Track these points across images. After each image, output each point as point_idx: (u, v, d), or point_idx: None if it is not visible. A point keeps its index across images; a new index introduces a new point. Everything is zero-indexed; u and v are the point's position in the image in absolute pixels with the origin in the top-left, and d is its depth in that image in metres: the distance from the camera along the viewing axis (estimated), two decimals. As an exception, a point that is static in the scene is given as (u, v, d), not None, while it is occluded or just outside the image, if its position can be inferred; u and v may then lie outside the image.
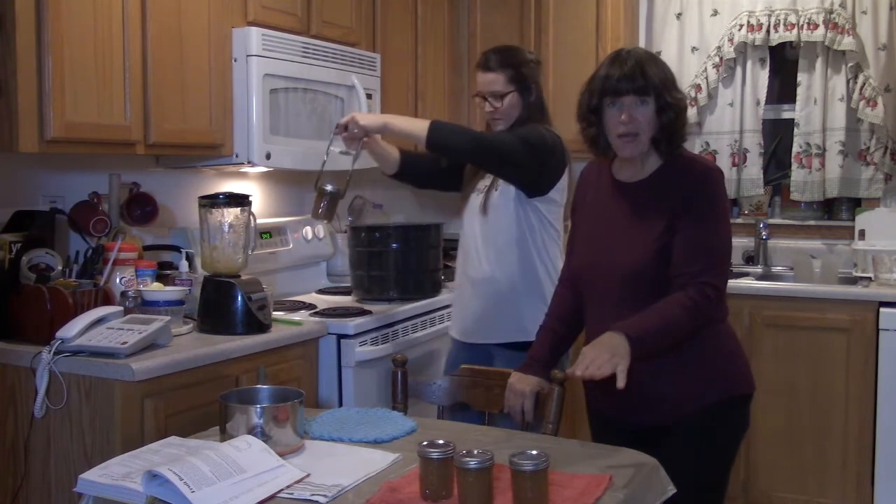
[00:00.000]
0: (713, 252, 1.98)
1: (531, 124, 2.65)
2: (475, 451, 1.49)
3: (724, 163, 4.07)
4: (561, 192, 2.67)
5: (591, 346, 1.87)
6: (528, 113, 2.69)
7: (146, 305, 2.42)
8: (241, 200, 2.58)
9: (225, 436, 1.78)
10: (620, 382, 1.79)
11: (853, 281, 3.72)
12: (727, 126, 4.10)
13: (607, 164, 2.17)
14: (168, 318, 2.33)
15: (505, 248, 2.64)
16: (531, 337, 2.32)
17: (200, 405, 2.21)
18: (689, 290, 1.93)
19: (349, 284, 3.27)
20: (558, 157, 2.64)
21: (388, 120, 2.56)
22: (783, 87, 4.23)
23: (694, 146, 4.10)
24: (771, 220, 4.16)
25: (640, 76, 1.98)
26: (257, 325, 2.51)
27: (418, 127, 2.50)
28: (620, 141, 2.02)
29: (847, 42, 3.80)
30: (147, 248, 2.79)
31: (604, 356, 1.81)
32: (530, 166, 2.56)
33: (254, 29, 2.80)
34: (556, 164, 2.63)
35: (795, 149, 4.00)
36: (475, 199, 2.72)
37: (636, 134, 2.00)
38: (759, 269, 4.05)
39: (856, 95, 3.82)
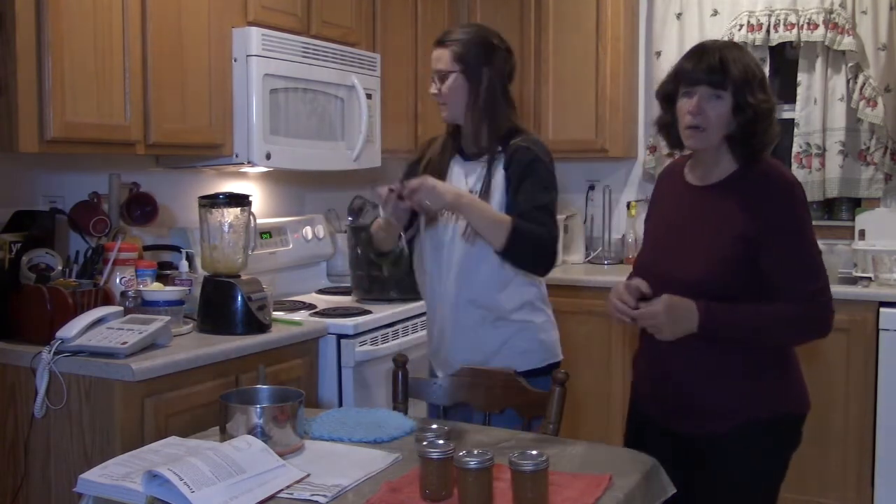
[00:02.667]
0: (813, 268, 1.90)
1: (536, 159, 2.25)
2: (475, 451, 1.49)
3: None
4: None
5: (667, 309, 1.86)
6: (478, 104, 2.26)
7: (146, 305, 2.42)
8: (241, 200, 2.58)
9: (225, 436, 1.78)
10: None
11: (853, 281, 3.71)
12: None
13: (682, 166, 2.09)
14: (168, 318, 2.33)
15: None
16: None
17: (200, 405, 2.22)
18: (809, 304, 1.88)
19: (349, 284, 3.27)
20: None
21: (465, 202, 2.13)
22: (783, 87, 4.22)
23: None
24: (771, 220, 4.15)
25: (718, 69, 1.87)
26: (257, 325, 2.51)
27: (495, 231, 2.15)
28: (686, 132, 1.93)
29: (847, 42, 3.80)
30: (147, 248, 2.79)
31: (665, 327, 1.86)
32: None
33: (254, 29, 2.80)
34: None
35: (795, 149, 4.00)
36: (451, 225, 2.31)
37: (703, 129, 1.90)
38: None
39: (856, 95, 3.82)
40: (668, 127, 2.02)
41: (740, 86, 1.87)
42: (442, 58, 2.29)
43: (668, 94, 1.99)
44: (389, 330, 2.93)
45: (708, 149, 1.95)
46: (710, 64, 1.88)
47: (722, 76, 1.87)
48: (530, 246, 2.18)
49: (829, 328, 1.92)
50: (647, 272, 2.03)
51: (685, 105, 1.91)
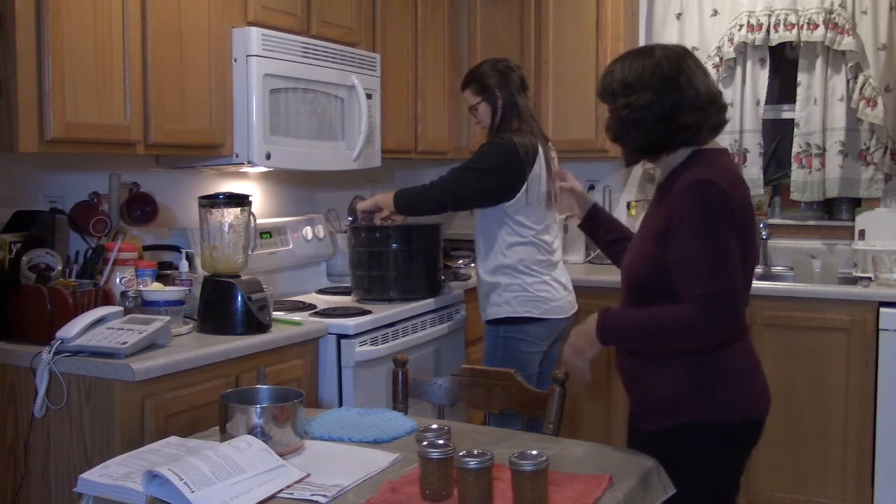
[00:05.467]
0: (707, 268, 1.82)
1: (484, 144, 3.06)
2: (475, 451, 1.49)
3: (724, 163, 4.06)
4: (525, 191, 2.97)
5: (571, 338, 1.98)
6: (500, 115, 3.06)
7: (146, 305, 2.42)
8: (241, 200, 2.58)
9: (225, 436, 1.78)
10: (585, 377, 1.96)
11: (853, 281, 3.71)
12: (727, 126, 4.07)
13: None
14: (168, 318, 2.33)
15: (480, 244, 3.09)
16: (505, 314, 3.00)
17: (200, 405, 2.22)
18: (687, 305, 1.82)
19: (349, 284, 3.27)
20: (514, 163, 2.95)
21: (375, 198, 3.11)
22: (783, 87, 4.23)
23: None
24: (771, 220, 4.16)
25: (599, 83, 2.02)
26: (257, 325, 2.51)
27: (389, 199, 3.03)
28: None
29: (847, 42, 3.80)
30: (147, 248, 2.79)
31: (574, 358, 1.96)
32: (487, 188, 2.96)
33: (254, 29, 2.80)
34: (514, 170, 2.96)
35: (795, 149, 4.00)
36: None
37: (611, 138, 2.04)
38: (759, 269, 4.04)
39: (856, 95, 3.82)
40: None
41: (604, 98, 2.02)
42: (468, 97, 3.15)
43: None
44: (389, 330, 2.93)
45: None
46: (600, 78, 2.03)
47: (600, 90, 2.02)
48: (413, 198, 3.04)
49: (722, 333, 1.86)
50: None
51: None
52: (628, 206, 4.32)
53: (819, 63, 3.91)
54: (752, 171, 4.06)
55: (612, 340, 1.94)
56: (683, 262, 1.84)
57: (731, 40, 4.02)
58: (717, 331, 1.84)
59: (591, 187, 4.39)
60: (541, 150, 3.04)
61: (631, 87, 1.94)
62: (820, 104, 3.91)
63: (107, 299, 2.37)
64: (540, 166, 3.01)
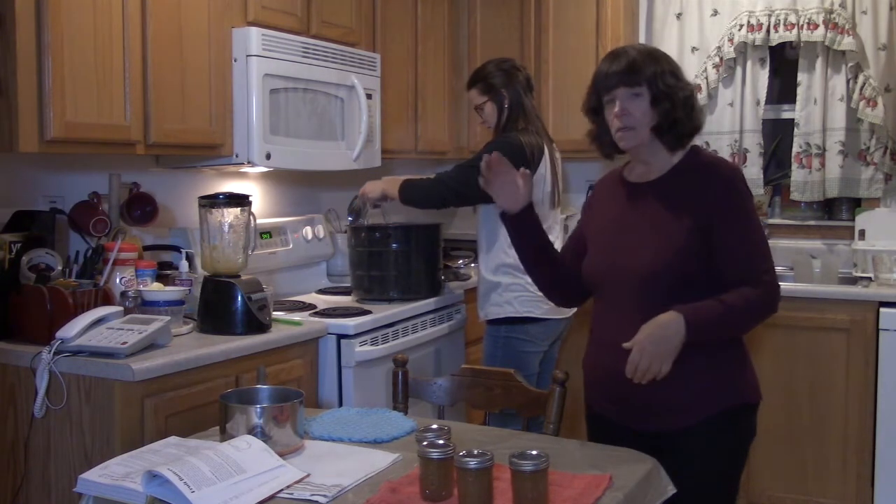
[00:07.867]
0: (764, 250, 2.00)
1: (491, 141, 3.03)
2: (475, 451, 1.49)
3: (724, 163, 4.07)
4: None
5: (645, 340, 1.87)
6: (506, 114, 3.07)
7: (146, 305, 2.42)
8: (241, 200, 2.58)
9: (225, 436, 1.78)
10: (659, 375, 1.89)
11: (853, 281, 3.71)
12: (727, 126, 4.09)
13: (618, 172, 2.18)
14: (168, 318, 2.33)
15: (483, 242, 3.10)
16: (506, 314, 3.00)
17: (200, 405, 2.22)
18: (757, 287, 1.95)
19: (349, 284, 3.27)
20: (520, 161, 2.85)
21: (383, 186, 3.11)
22: (783, 87, 4.23)
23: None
24: (771, 220, 4.16)
25: (628, 69, 1.97)
26: (257, 325, 2.51)
27: (396, 188, 3.06)
28: (618, 135, 2.02)
29: (847, 42, 3.80)
30: (147, 248, 2.79)
31: (646, 361, 1.87)
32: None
33: (254, 29, 2.80)
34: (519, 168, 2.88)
35: (795, 149, 4.00)
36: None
37: (632, 127, 1.99)
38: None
39: (856, 95, 3.82)
40: (599, 137, 2.11)
41: (652, 79, 1.97)
42: (473, 96, 3.16)
43: (593, 108, 2.09)
44: (389, 330, 2.93)
45: (641, 146, 2.03)
46: (621, 66, 1.99)
47: (634, 74, 1.97)
48: (417, 191, 3.06)
49: (777, 306, 2.02)
50: (600, 273, 2.08)
51: (611, 111, 2.01)
52: (628, 206, 4.31)
53: (819, 63, 3.91)
54: (752, 171, 4.06)
55: (698, 338, 1.92)
56: (744, 248, 1.96)
57: (731, 40, 4.02)
58: (777, 305, 2.02)
59: (591, 187, 4.38)
60: (546, 150, 3.05)
61: (676, 73, 2.02)
62: (820, 104, 3.91)
63: (107, 299, 2.37)
64: (545, 167, 3.03)
